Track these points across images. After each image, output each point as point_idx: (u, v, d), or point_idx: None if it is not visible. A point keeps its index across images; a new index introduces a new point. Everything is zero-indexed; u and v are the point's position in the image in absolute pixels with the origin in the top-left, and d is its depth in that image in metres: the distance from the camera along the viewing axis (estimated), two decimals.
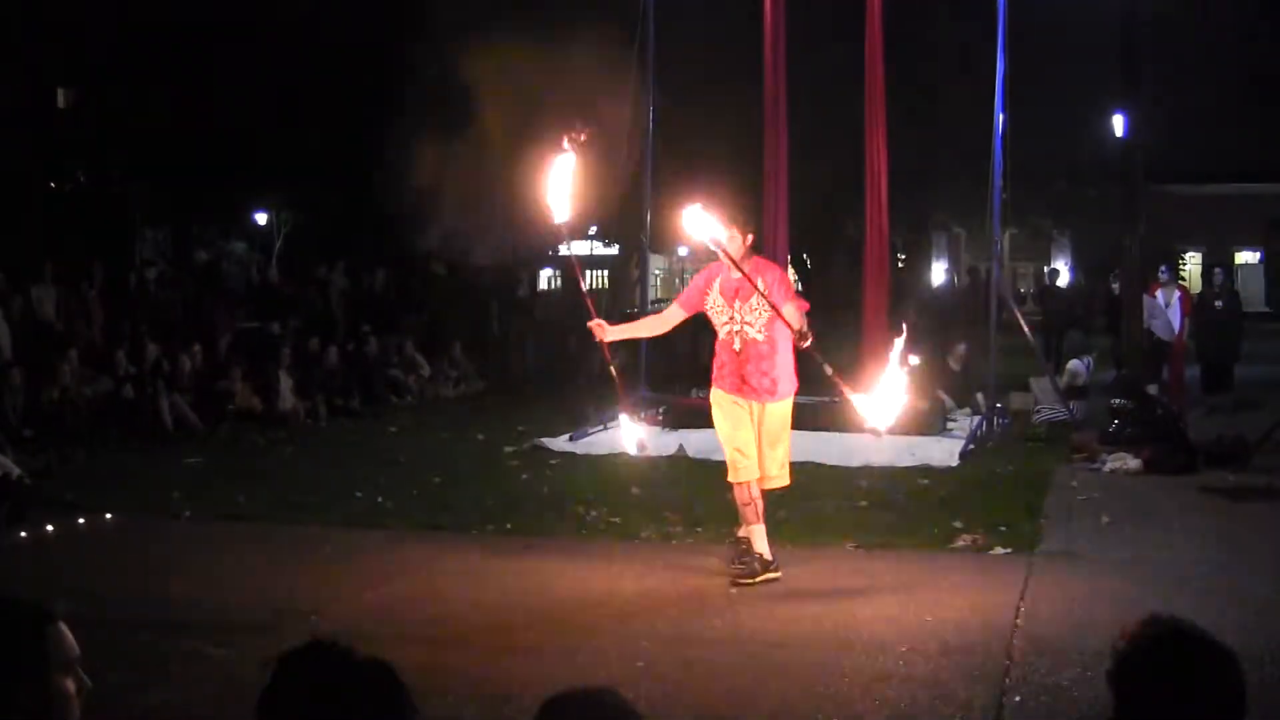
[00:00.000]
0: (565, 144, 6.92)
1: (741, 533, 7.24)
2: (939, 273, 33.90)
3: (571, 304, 13.98)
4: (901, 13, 14.47)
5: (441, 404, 16.49)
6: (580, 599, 6.78)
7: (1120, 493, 9.82)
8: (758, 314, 7.00)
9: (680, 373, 14.51)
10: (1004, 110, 12.49)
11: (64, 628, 2.18)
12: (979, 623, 6.27)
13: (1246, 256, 43.08)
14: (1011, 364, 14.61)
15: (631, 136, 13.83)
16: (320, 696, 1.96)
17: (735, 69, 15.85)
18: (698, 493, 9.22)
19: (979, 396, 13.26)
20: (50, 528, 8.48)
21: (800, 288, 21.53)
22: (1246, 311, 19.12)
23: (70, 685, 2.15)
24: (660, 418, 12.95)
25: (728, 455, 7.20)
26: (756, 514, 7.11)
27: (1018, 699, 5.21)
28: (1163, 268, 16.46)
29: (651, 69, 13.77)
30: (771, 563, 7.05)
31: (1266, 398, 14.85)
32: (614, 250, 26.95)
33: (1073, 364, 15.10)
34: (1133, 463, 10.76)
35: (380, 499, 9.65)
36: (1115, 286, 16.77)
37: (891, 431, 12.40)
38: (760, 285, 6.92)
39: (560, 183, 6.97)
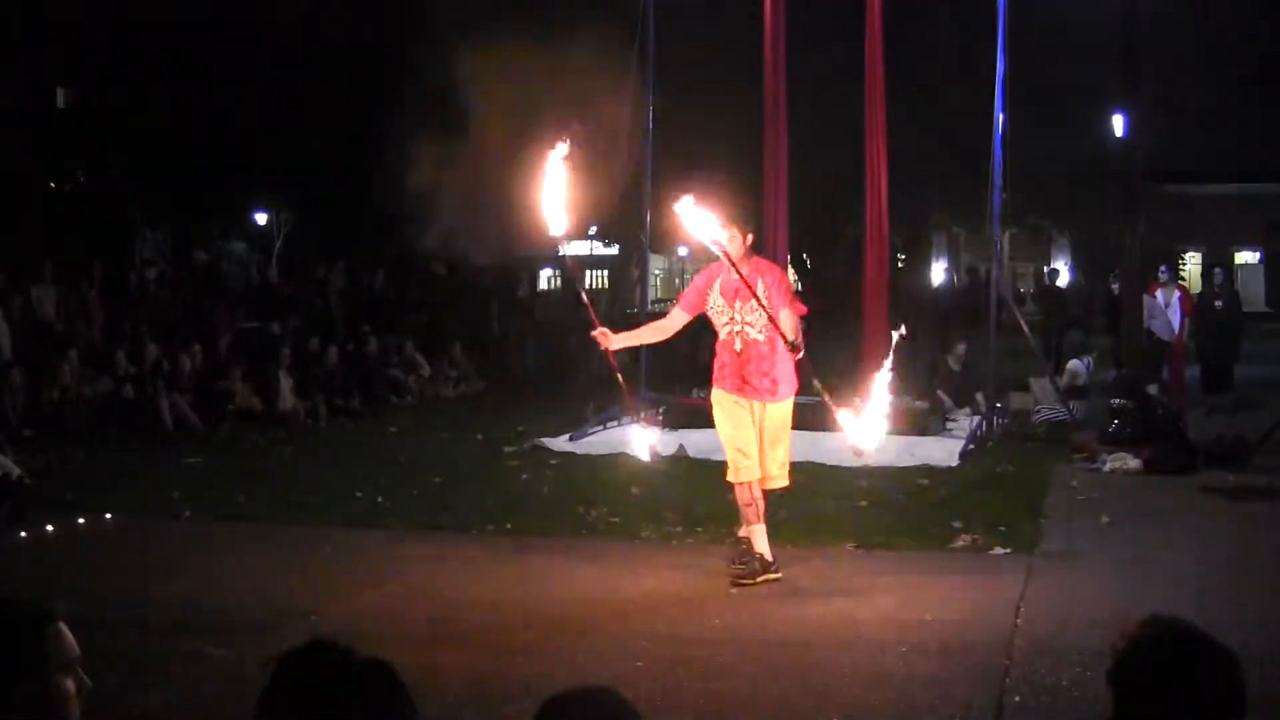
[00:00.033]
0: (560, 152, 6.91)
1: (742, 533, 7.23)
2: (939, 273, 33.88)
3: (571, 304, 13.98)
4: (901, 13, 14.47)
5: (441, 404, 16.48)
6: (580, 599, 6.78)
7: (1120, 493, 9.82)
8: (758, 315, 7.00)
9: (680, 373, 14.51)
10: (1004, 110, 12.49)
11: (64, 628, 2.18)
12: (979, 623, 6.27)
13: (1246, 256, 43.08)
14: (1011, 364, 14.61)
15: (631, 137, 13.83)
16: (320, 696, 1.96)
17: (735, 69, 15.86)
18: (698, 493, 9.22)
19: (979, 396, 13.27)
20: (50, 528, 8.48)
21: (800, 288, 21.56)
22: (1246, 311, 19.12)
23: (70, 685, 2.16)
24: (660, 418, 12.94)
25: (729, 455, 7.20)
26: (757, 514, 7.11)
27: (1018, 699, 5.21)
28: (1163, 268, 16.46)
29: (651, 69, 13.77)
30: (772, 563, 7.05)
31: (1266, 398, 14.86)
32: (614, 250, 26.97)
33: (1073, 364, 15.11)
34: (1133, 463, 10.76)
35: (380, 499, 9.65)
36: (1115, 287, 16.77)
37: (892, 431, 12.47)
38: (760, 288, 6.92)
39: (556, 193, 6.96)
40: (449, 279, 19.71)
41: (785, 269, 6.88)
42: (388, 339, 17.24)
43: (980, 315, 14.16)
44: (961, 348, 14.62)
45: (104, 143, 21.25)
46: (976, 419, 12.63)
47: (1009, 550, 7.86)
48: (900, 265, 22.61)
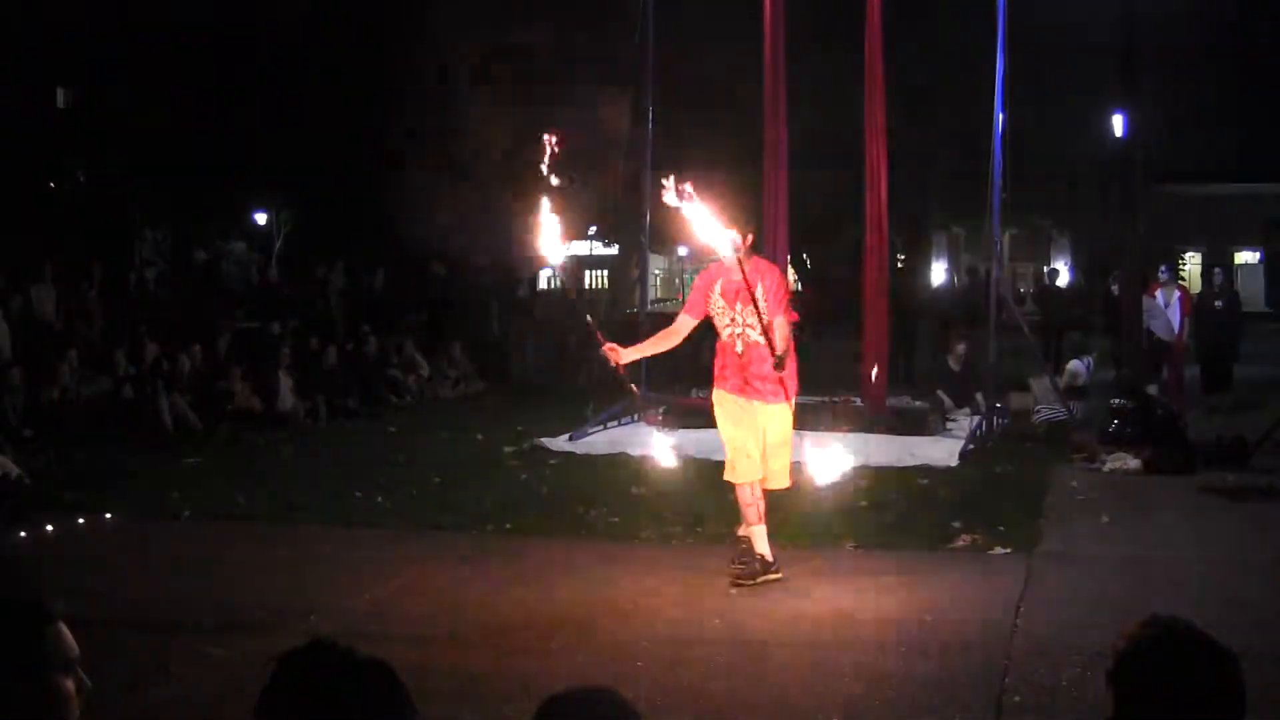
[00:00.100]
0: (553, 181, 6.93)
1: (742, 533, 7.24)
2: (939, 273, 33.88)
3: (571, 304, 13.97)
4: (901, 13, 14.47)
5: (441, 404, 16.48)
6: (580, 599, 6.78)
7: (1120, 493, 9.81)
8: (759, 317, 7.00)
9: (680, 373, 14.51)
10: (1004, 110, 12.49)
11: (64, 628, 2.18)
12: (979, 623, 6.27)
13: (1246, 256, 43.05)
14: (1011, 364, 14.61)
15: (631, 137, 13.85)
16: (320, 696, 1.96)
17: (735, 69, 15.85)
18: (698, 493, 9.22)
19: (979, 396, 13.26)
20: (50, 528, 8.48)
21: (800, 288, 21.56)
22: (1246, 311, 19.14)
23: (70, 685, 2.15)
24: (661, 418, 12.94)
25: (730, 456, 7.19)
26: (758, 515, 7.11)
27: (1017, 699, 5.21)
28: (1163, 268, 16.47)
29: (651, 69, 13.77)
30: (772, 564, 7.05)
31: (1266, 398, 14.85)
32: (614, 250, 26.96)
33: (1073, 364, 15.10)
34: (1133, 463, 10.76)
35: (380, 499, 9.65)
36: (1115, 288, 16.77)
37: (890, 432, 12.48)
38: (759, 290, 6.91)
39: (550, 224, 6.98)
40: (449, 279, 19.72)
41: (785, 269, 6.87)
42: (387, 339, 17.24)
43: (980, 315, 14.15)
44: (961, 348, 14.61)
45: (104, 143, 21.26)
46: (976, 419, 12.62)
47: (1009, 550, 7.86)
48: (900, 265, 22.58)
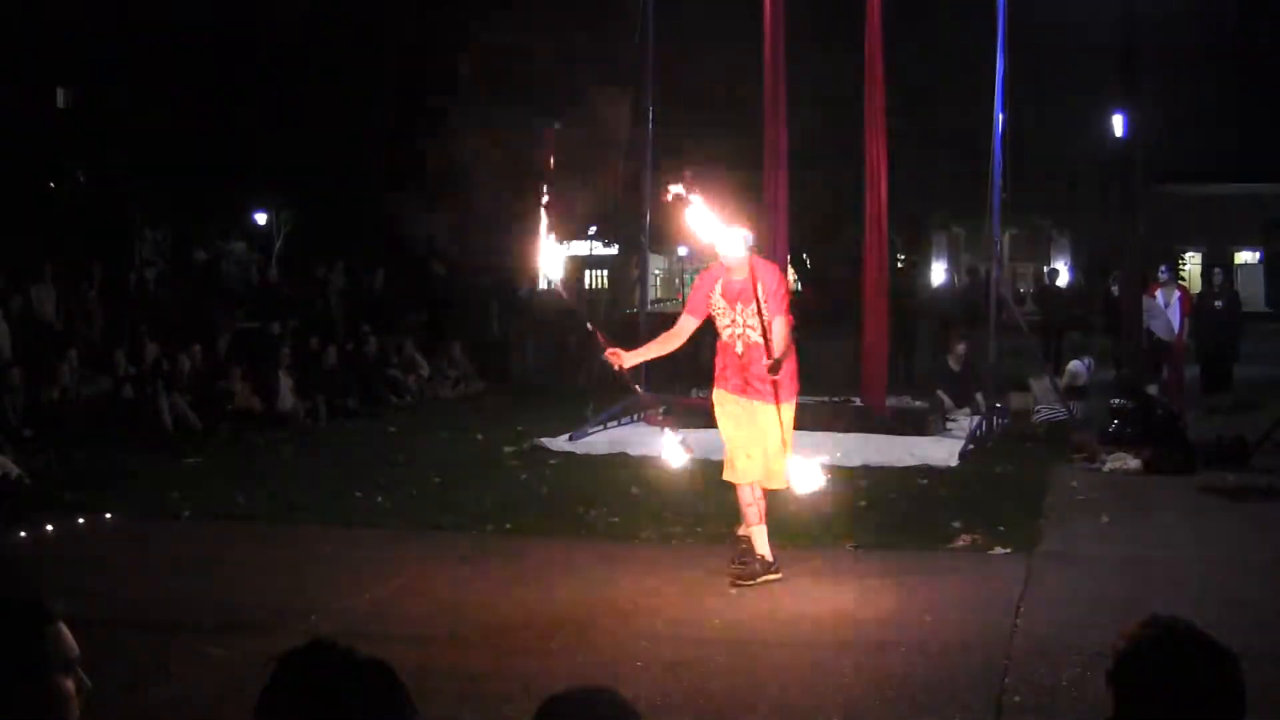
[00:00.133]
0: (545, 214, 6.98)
1: (742, 533, 7.24)
2: (939, 273, 33.88)
3: (571, 305, 13.96)
4: (901, 13, 14.46)
5: (441, 404, 16.48)
6: (580, 599, 6.78)
7: (1120, 493, 9.82)
8: (760, 318, 7.00)
9: (680, 373, 14.52)
10: (1004, 110, 12.49)
11: (64, 628, 2.18)
12: (979, 623, 6.28)
13: (1246, 256, 43.04)
14: (1011, 364, 14.61)
15: (631, 137, 13.85)
16: (320, 696, 1.96)
17: (735, 69, 15.85)
18: (698, 493, 9.21)
19: (979, 396, 13.26)
20: (50, 528, 8.48)
21: (800, 288, 21.56)
22: (1246, 311, 19.15)
23: (70, 685, 2.15)
24: (661, 417, 12.94)
25: (731, 456, 7.19)
26: (759, 515, 7.11)
27: (1017, 699, 5.21)
28: (1163, 268, 16.47)
29: (651, 69, 13.77)
30: (772, 564, 7.05)
31: (1266, 398, 14.85)
32: (614, 250, 26.96)
33: (1073, 364, 15.11)
34: (1133, 463, 10.76)
35: (380, 499, 9.65)
36: (1115, 288, 16.77)
37: (890, 432, 12.49)
38: (760, 292, 6.92)
39: (547, 240, 7.03)
40: (449, 279, 19.71)
41: (785, 269, 6.86)
42: (387, 339, 17.25)
43: (980, 315, 14.15)
44: (961, 348, 14.62)
45: (104, 143, 21.25)
46: (976, 419, 12.63)
47: (1009, 550, 7.86)
48: (900, 265, 22.57)
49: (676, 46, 14.77)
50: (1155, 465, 10.64)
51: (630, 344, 7.62)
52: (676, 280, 42.83)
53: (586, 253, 30.64)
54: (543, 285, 24.76)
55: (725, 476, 7.23)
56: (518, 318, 19.69)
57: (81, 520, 8.74)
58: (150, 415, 13.01)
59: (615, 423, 13.09)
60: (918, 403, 13.90)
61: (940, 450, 11.47)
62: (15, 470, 9.89)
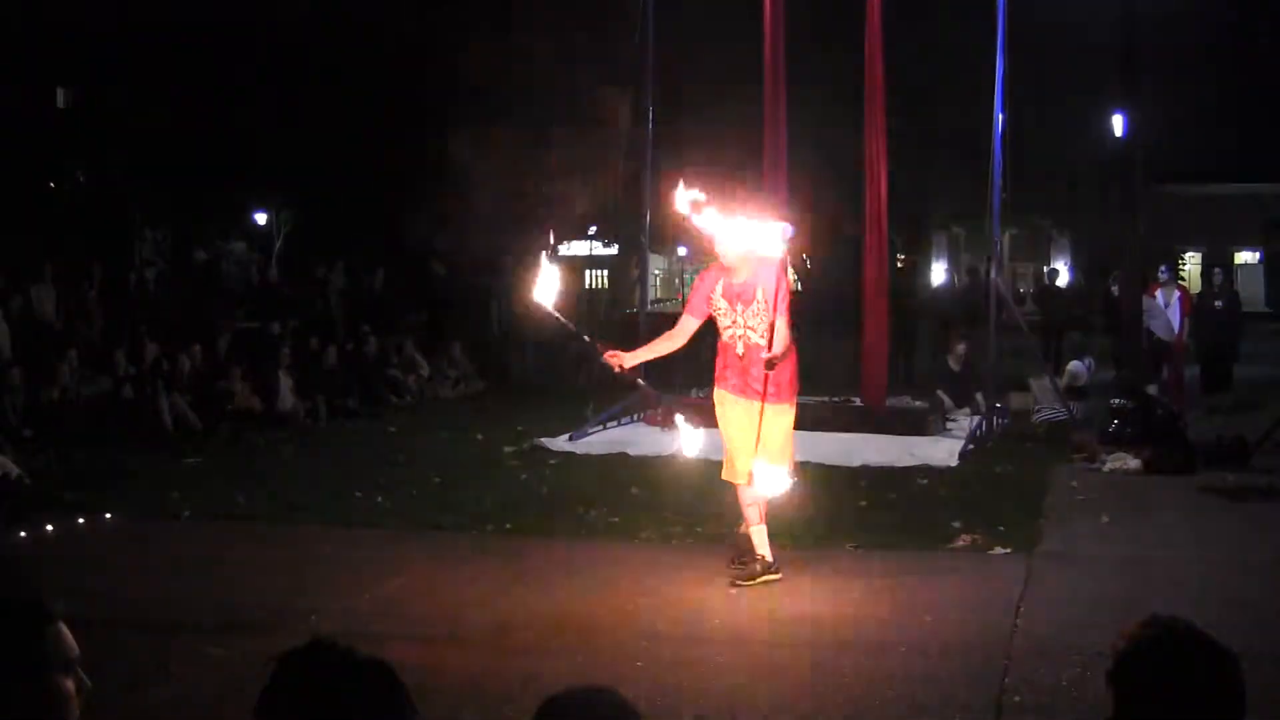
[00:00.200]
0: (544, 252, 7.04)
1: (742, 532, 7.24)
2: (939, 273, 33.89)
3: (571, 305, 13.96)
4: (901, 13, 14.47)
5: (441, 404, 16.47)
6: (580, 599, 6.78)
7: (1120, 493, 9.81)
8: (760, 319, 7.01)
9: (680, 372, 14.52)
10: (1004, 110, 12.49)
11: (64, 628, 2.18)
12: (979, 623, 6.28)
13: (1246, 256, 43.04)
14: (1011, 364, 14.62)
15: (631, 137, 13.85)
16: (320, 696, 1.96)
17: (735, 69, 15.86)
18: (698, 493, 9.22)
19: (979, 396, 13.27)
20: (50, 528, 8.48)
21: (800, 288, 21.56)
22: (1246, 311, 19.15)
23: (70, 685, 2.16)
24: (660, 417, 12.95)
25: (730, 456, 7.19)
26: (759, 514, 7.11)
27: (1017, 699, 5.21)
28: (1163, 268, 16.47)
29: (651, 69, 13.77)
30: (772, 564, 7.05)
31: (1266, 398, 14.85)
32: (614, 250, 26.95)
33: (1073, 364, 15.11)
34: (1133, 463, 10.76)
35: (380, 499, 9.65)
36: (1115, 289, 16.77)
37: (890, 432, 12.48)
38: (760, 292, 6.94)
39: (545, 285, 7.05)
40: (449, 279, 19.71)
41: (786, 269, 6.87)
42: (387, 339, 17.25)
43: (980, 315, 14.16)
44: (961, 348, 14.62)
45: (104, 143, 21.26)
46: (976, 419, 12.63)
47: (1009, 550, 7.86)
48: (900, 265, 22.59)
49: (676, 46, 14.78)
50: (1155, 465, 10.64)
51: (630, 344, 7.62)
52: (676, 280, 42.82)
53: (586, 253, 30.63)
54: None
55: (725, 476, 7.23)
56: (518, 318, 19.68)
57: (81, 520, 8.73)
58: (150, 415, 13.01)
59: (615, 423, 13.09)
60: (918, 403, 13.89)
61: (940, 450, 11.47)
62: (15, 470, 9.88)
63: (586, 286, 30.39)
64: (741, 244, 6.94)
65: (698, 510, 8.77)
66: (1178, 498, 9.65)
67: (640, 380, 7.77)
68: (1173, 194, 34.99)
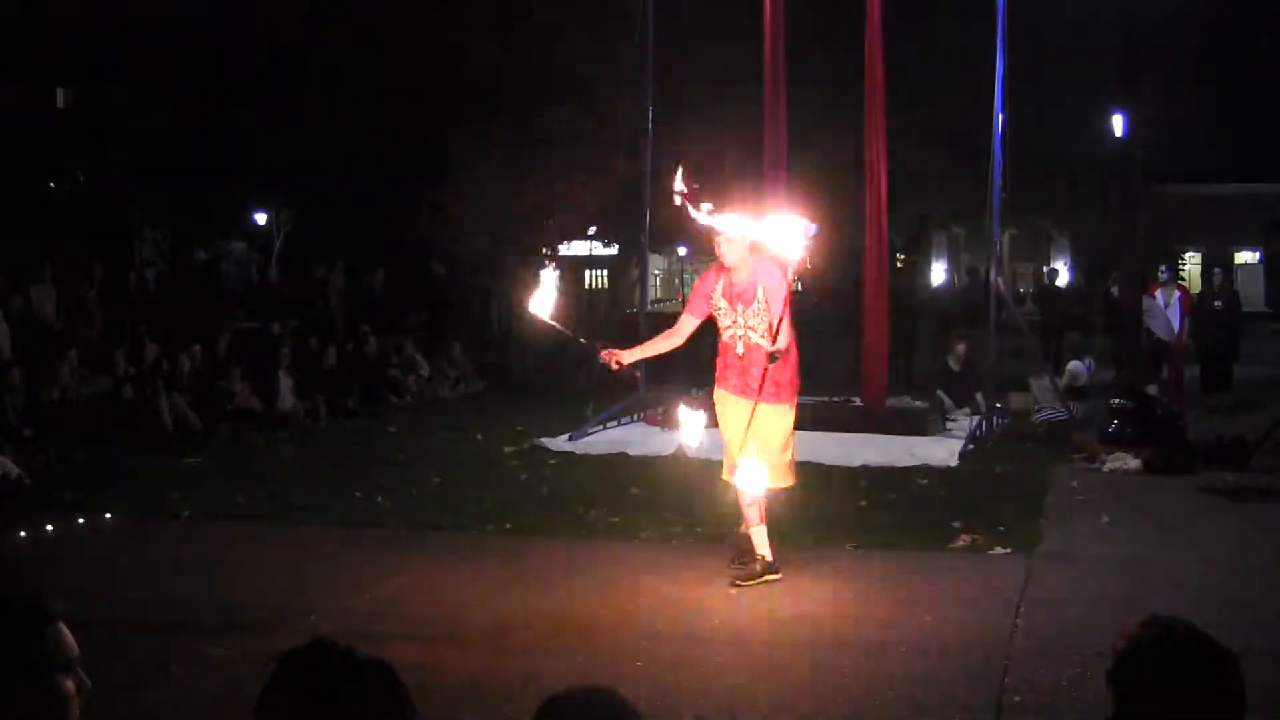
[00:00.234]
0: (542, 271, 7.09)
1: (743, 532, 7.24)
2: (939, 273, 33.89)
3: (571, 305, 13.97)
4: (901, 13, 14.47)
5: (441, 404, 16.48)
6: (580, 599, 6.78)
7: (1120, 493, 9.82)
8: (760, 319, 7.01)
9: (679, 371, 14.52)
10: (1004, 110, 12.50)
11: (64, 628, 2.18)
12: (979, 622, 6.28)
13: (1246, 256, 43.05)
14: (1011, 364, 14.62)
15: (632, 137, 13.85)
16: (320, 696, 1.96)
17: (735, 69, 15.85)
18: (698, 493, 9.21)
19: (979, 396, 13.27)
20: (50, 528, 8.48)
21: (799, 288, 21.56)
22: (1246, 311, 19.15)
23: (70, 685, 2.16)
24: (660, 417, 12.95)
25: (730, 455, 7.19)
26: (759, 514, 7.11)
27: (1017, 699, 5.21)
28: (1163, 268, 16.47)
29: (651, 69, 13.77)
30: (772, 564, 7.05)
31: (1266, 398, 14.85)
32: (614, 250, 26.95)
33: (1073, 364, 15.12)
34: (1133, 463, 10.76)
35: (380, 499, 9.65)
36: (1115, 288, 16.77)
37: (890, 432, 12.48)
38: (760, 293, 6.94)
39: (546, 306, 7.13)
40: (449, 279, 19.71)
41: (788, 269, 6.86)
42: (387, 339, 17.25)
43: (980, 315, 14.16)
44: (961, 348, 14.63)
45: (104, 143, 21.24)
46: (976, 419, 12.63)
47: (1009, 550, 7.86)
48: (900, 265, 22.59)
49: (676, 46, 14.78)
50: (1155, 465, 10.64)
51: (630, 345, 7.62)
52: (676, 280, 42.83)
53: (586, 253, 30.62)
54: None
55: (725, 476, 7.23)
56: (518, 318, 19.68)
57: (81, 520, 8.74)
58: (150, 415, 13.01)
59: (615, 423, 13.09)
60: (918, 403, 13.90)
61: (940, 450, 11.47)
62: (15, 470, 9.89)
63: (586, 286, 30.41)
64: (743, 244, 6.95)
65: (698, 510, 8.77)
66: (1178, 498, 9.65)
67: (638, 374, 7.77)
68: (1173, 194, 34.99)
